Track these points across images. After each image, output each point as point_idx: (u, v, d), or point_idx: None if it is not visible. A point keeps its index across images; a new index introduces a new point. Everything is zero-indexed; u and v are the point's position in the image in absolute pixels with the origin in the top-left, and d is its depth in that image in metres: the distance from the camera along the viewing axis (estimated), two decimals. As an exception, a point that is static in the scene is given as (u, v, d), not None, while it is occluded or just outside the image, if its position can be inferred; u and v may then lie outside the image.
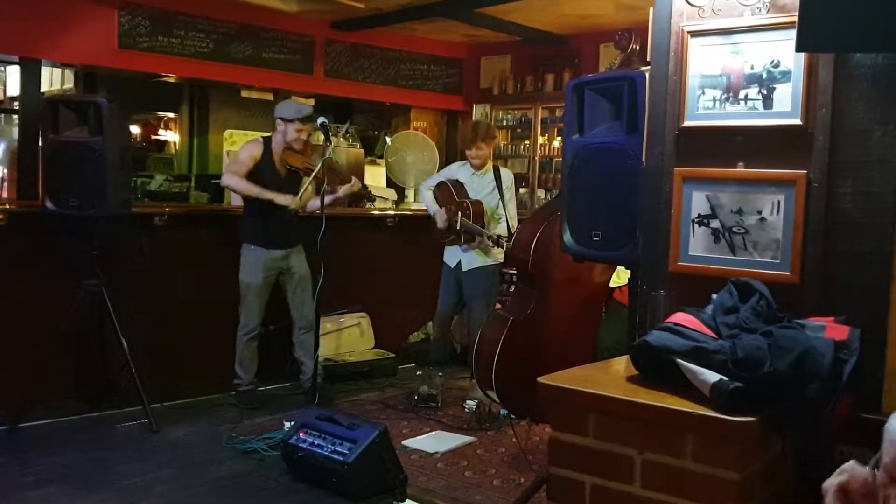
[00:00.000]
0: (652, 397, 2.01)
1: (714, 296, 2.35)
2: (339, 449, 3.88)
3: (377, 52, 7.33)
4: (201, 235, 5.67)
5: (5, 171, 5.57)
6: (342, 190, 5.46)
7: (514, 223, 5.74)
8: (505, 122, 7.87)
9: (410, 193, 7.59)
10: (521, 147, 7.76)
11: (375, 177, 7.44)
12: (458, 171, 5.92)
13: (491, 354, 4.22)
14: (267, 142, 5.30)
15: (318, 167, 5.10)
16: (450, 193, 5.76)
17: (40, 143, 5.21)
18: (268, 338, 5.95)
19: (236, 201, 6.27)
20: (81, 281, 4.80)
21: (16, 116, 6.60)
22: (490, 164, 5.83)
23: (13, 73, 7.06)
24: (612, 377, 2.21)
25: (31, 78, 5.63)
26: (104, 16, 5.63)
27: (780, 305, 2.24)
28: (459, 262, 5.77)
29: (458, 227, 5.64)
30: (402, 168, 7.38)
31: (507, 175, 5.86)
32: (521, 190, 7.61)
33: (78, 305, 4.80)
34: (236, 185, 5.22)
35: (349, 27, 6.78)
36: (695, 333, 2.11)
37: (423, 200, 5.95)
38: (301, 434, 4.12)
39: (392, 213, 6.94)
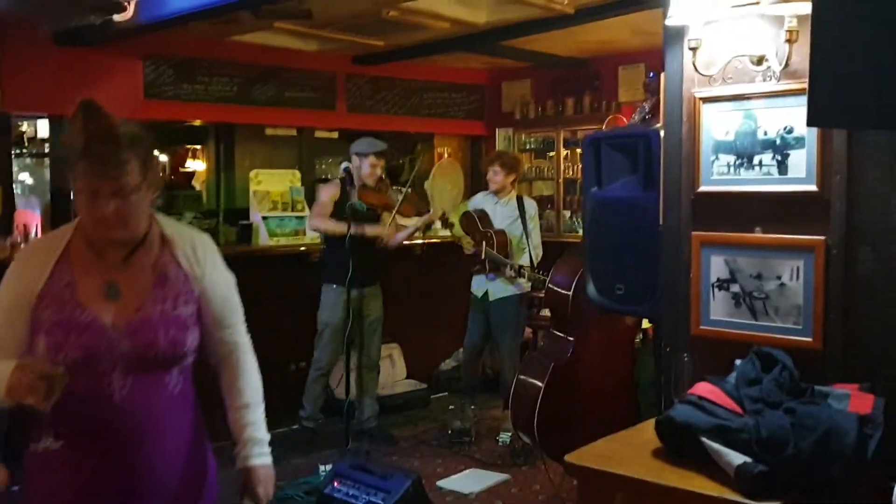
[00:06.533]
0: (678, 478, 2.02)
1: (737, 361, 2.35)
2: (373, 499, 3.92)
3: (398, 84, 7.38)
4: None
5: (39, 224, 5.69)
6: (421, 221, 5.71)
7: (537, 252, 5.79)
8: (528, 146, 7.89)
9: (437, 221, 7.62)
10: (546, 170, 7.79)
11: (401, 206, 7.49)
12: (482, 201, 5.98)
13: (533, 399, 4.23)
14: (342, 182, 5.43)
15: (401, 200, 5.38)
16: (474, 223, 5.82)
17: (72, 197, 5.31)
18: (298, 375, 6.07)
19: (264, 240, 6.39)
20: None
21: (47, 159, 6.73)
22: (513, 194, 5.89)
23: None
24: (638, 452, 2.22)
25: (61, 132, 5.74)
26: (129, 68, 5.73)
27: (803, 372, 2.24)
28: (486, 293, 5.81)
29: (482, 258, 5.69)
30: (441, 197, 7.44)
31: (530, 204, 5.90)
32: (548, 212, 7.63)
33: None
34: (327, 227, 5.33)
35: (369, 62, 6.84)
36: (718, 409, 2.12)
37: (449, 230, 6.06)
38: (335, 483, 4.16)
39: (420, 241, 6.98)
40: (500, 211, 5.83)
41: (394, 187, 5.68)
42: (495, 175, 5.77)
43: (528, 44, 6.24)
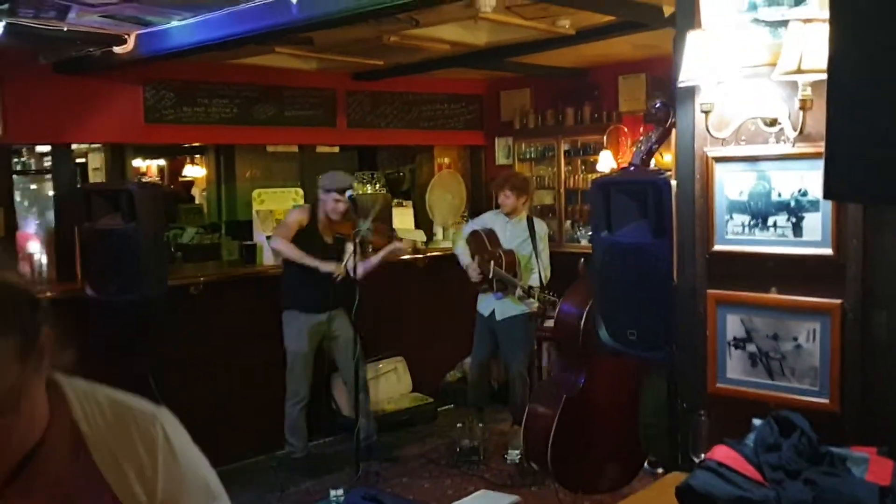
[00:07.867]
0: (700, 552, 2.03)
1: (755, 420, 2.37)
2: (387, 534, 3.95)
3: (397, 98, 7.37)
4: (237, 300, 5.76)
5: (44, 255, 5.66)
6: (383, 252, 5.44)
7: (546, 274, 5.77)
8: (528, 155, 7.87)
9: (439, 232, 7.63)
10: (546, 179, 7.78)
11: (403, 219, 7.48)
12: (492, 219, 5.97)
13: (546, 433, 4.25)
14: (314, 209, 5.38)
15: (363, 229, 5.18)
16: (483, 243, 5.82)
17: (76, 229, 5.27)
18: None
19: (268, 260, 6.37)
20: (123, 359, 4.87)
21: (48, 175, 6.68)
22: (524, 214, 5.88)
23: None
24: (658, 519, 2.24)
25: (63, 161, 5.70)
26: (130, 94, 5.71)
27: (820, 434, 2.25)
28: (493, 312, 5.81)
29: (490, 277, 5.69)
30: (441, 207, 7.47)
31: (540, 226, 5.90)
32: (550, 221, 7.62)
33: (121, 383, 4.88)
34: (284, 249, 5.26)
35: (369, 77, 6.82)
36: (738, 477, 2.13)
37: (456, 252, 6.02)
38: (349, 515, 4.19)
39: (421, 255, 7.00)
40: (510, 230, 5.82)
41: (362, 220, 5.34)
42: (507, 199, 5.76)
43: (528, 58, 6.22)
